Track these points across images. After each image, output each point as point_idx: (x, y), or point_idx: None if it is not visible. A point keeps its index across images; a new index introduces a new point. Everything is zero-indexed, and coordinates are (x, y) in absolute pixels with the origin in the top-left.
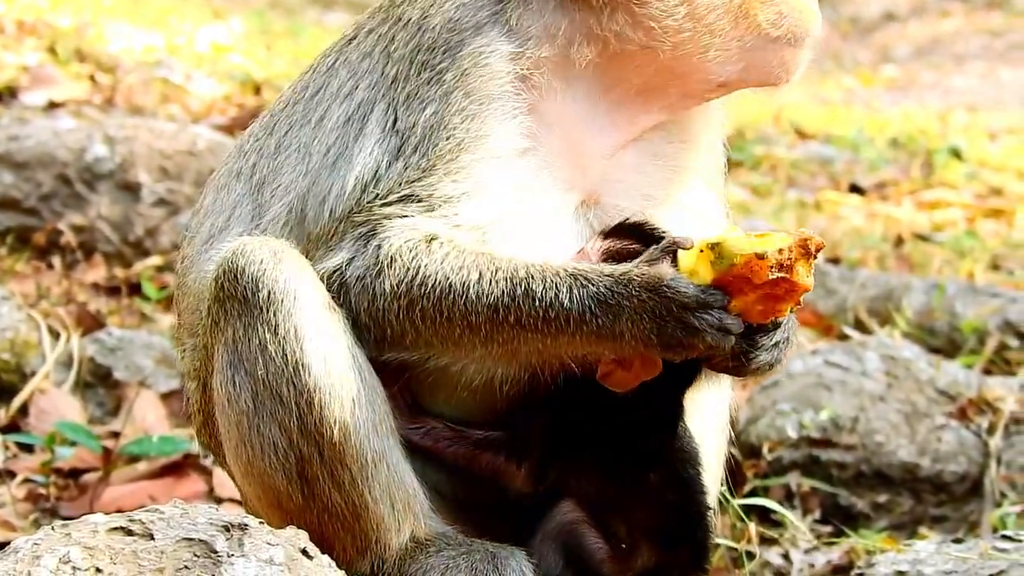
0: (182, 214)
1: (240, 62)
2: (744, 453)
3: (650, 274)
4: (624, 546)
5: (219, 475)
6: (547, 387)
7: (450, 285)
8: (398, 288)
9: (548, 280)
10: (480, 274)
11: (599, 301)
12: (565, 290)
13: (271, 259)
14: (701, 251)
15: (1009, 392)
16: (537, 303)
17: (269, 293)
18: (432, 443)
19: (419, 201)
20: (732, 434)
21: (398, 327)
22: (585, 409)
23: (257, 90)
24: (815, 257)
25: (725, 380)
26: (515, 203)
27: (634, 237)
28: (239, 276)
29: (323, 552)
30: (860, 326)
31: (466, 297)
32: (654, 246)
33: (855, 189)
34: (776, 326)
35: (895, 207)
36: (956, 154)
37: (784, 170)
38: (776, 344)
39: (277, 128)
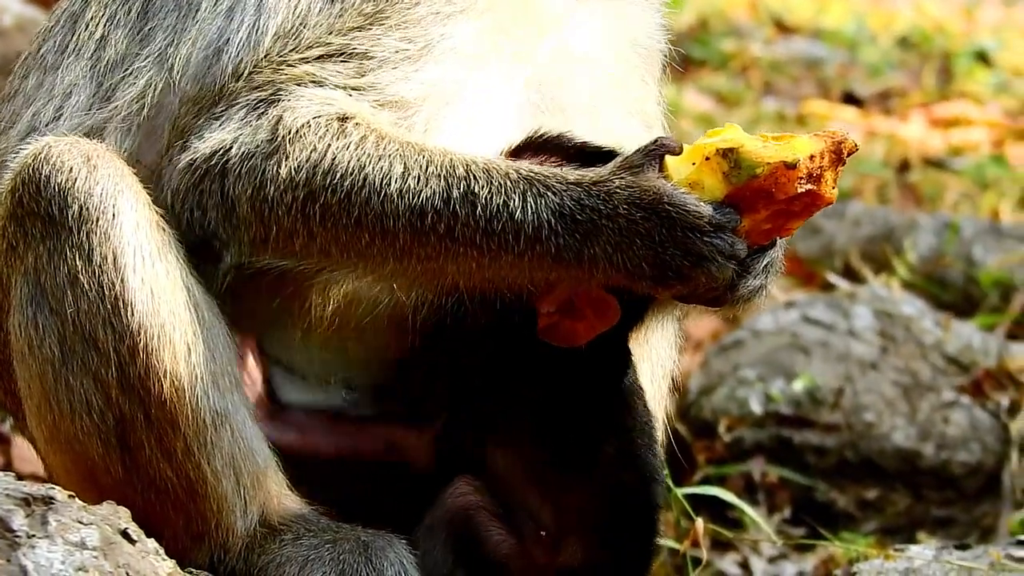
0: None
1: None
2: (695, 432)
3: (642, 186)
4: (544, 534)
5: (19, 446)
6: (476, 319)
7: (364, 177)
8: (296, 175)
9: (496, 183)
10: (405, 167)
11: (563, 216)
12: (517, 198)
13: (83, 166)
14: (707, 158)
15: None
16: (479, 211)
17: (81, 209)
18: (297, 436)
19: (348, 59)
20: (678, 404)
21: (288, 225)
22: (510, 350)
23: None
24: (844, 164)
25: (672, 317)
26: (458, 74)
27: (555, 154)
28: (42, 188)
29: (149, 537)
30: (849, 273)
31: (384, 195)
32: (636, 150)
33: (850, 99)
34: (769, 246)
35: (901, 124)
36: (983, 58)
37: (760, 72)
38: (766, 267)
39: None
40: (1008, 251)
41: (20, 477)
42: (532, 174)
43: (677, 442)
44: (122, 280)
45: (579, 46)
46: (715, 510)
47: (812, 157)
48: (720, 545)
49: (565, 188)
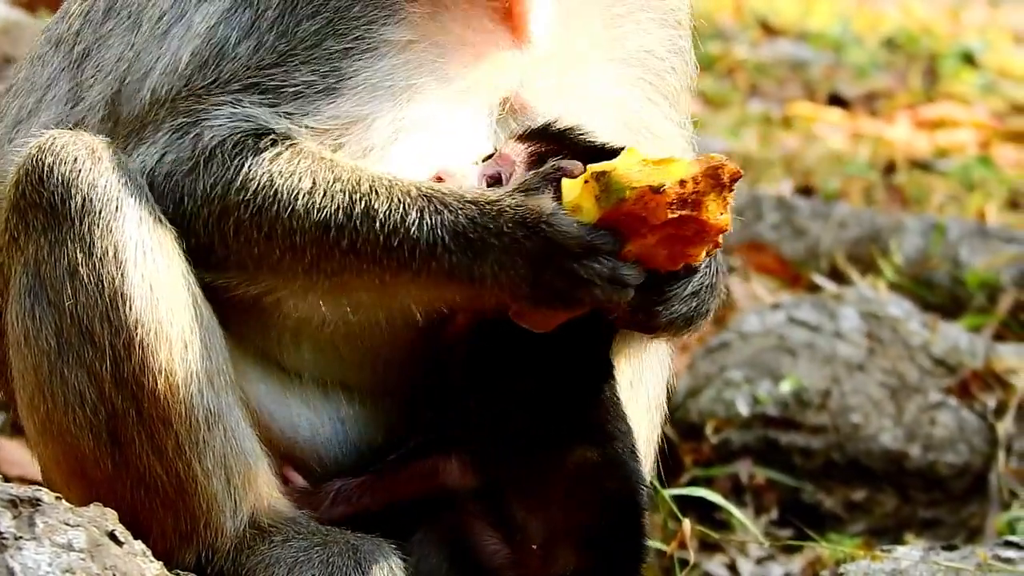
0: None
1: None
2: (682, 434)
3: (527, 207)
4: (535, 547)
5: (6, 448)
6: (413, 339)
7: (275, 193)
8: (211, 190)
9: (395, 200)
10: (313, 183)
11: (456, 234)
12: (415, 214)
13: (87, 158)
14: (586, 182)
15: None
16: (377, 227)
17: (84, 201)
18: (346, 507)
19: (264, 92)
20: (666, 409)
21: (205, 240)
22: (494, 366)
23: None
24: (731, 190)
25: (658, 341)
26: (396, 106)
27: (561, 144)
28: (45, 179)
29: (136, 536)
30: (836, 275)
31: (292, 210)
32: (533, 171)
33: (836, 101)
34: (691, 272)
35: (887, 125)
36: (969, 59)
37: (746, 75)
38: (695, 294)
39: None
40: (994, 252)
41: (7, 479)
42: (432, 192)
43: (664, 444)
44: (122, 274)
45: (564, 66)
46: (702, 512)
47: (683, 182)
48: (707, 547)
49: (461, 206)
